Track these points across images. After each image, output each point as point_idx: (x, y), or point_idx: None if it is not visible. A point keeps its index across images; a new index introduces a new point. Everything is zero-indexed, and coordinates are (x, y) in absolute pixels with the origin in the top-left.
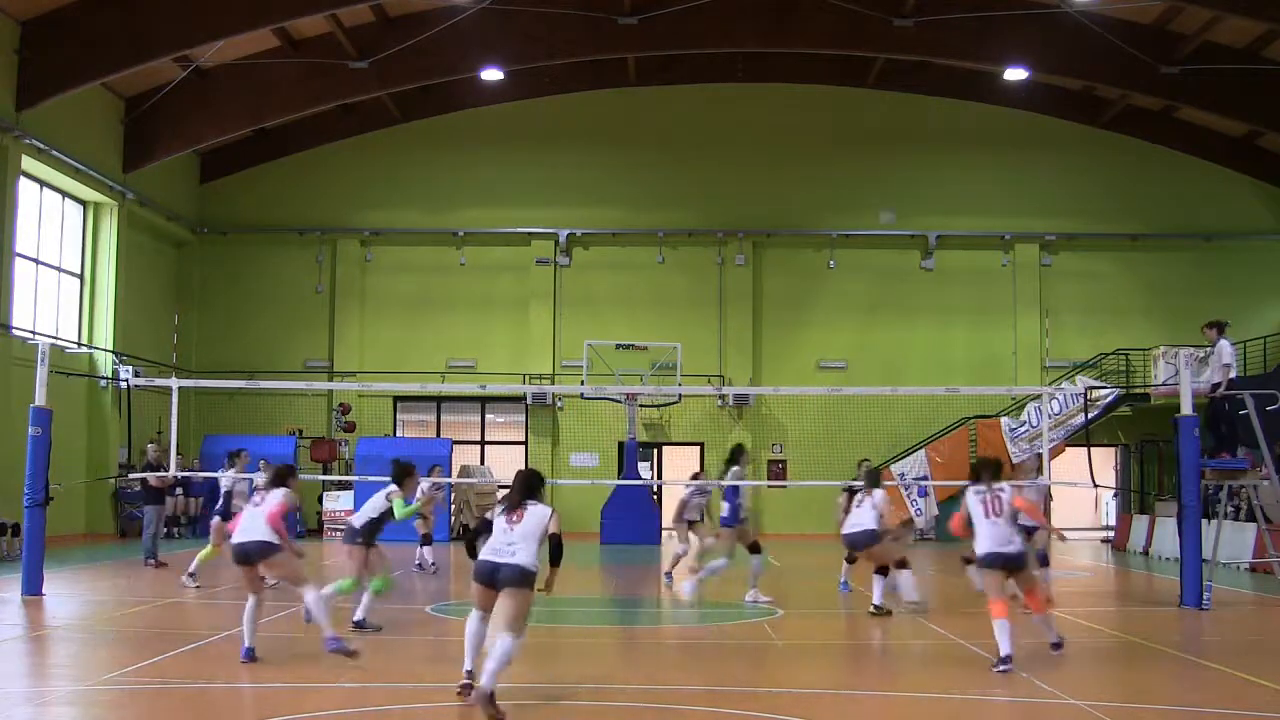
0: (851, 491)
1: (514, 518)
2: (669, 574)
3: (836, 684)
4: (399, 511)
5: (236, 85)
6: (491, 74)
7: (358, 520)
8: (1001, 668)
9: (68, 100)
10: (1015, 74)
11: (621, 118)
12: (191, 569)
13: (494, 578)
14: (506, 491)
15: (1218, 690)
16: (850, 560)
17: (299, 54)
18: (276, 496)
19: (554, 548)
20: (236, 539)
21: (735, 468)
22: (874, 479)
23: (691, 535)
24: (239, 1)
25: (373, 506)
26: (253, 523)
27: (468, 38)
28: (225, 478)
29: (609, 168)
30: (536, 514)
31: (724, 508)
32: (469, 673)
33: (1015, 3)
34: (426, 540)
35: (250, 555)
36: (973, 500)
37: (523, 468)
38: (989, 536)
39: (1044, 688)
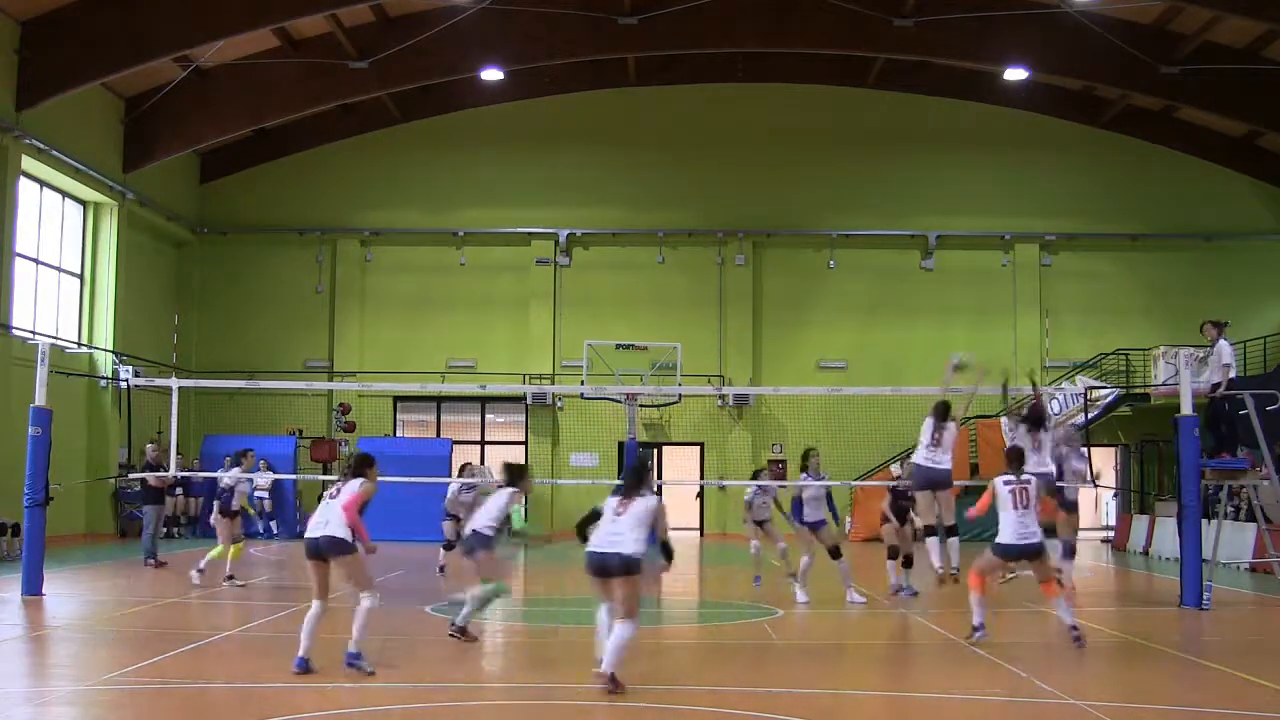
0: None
1: (621, 508)
2: (758, 578)
3: (836, 684)
4: (517, 522)
5: (236, 85)
6: (491, 74)
7: (488, 526)
8: (977, 635)
9: (68, 100)
10: (1015, 74)
11: (621, 118)
12: (201, 565)
13: (605, 568)
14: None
15: (1218, 690)
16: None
17: (299, 54)
18: (354, 487)
19: (661, 546)
20: (309, 533)
21: (805, 474)
22: (944, 412)
23: (763, 535)
24: (239, 1)
25: (499, 510)
26: (327, 516)
27: (468, 38)
28: (229, 476)
29: (609, 168)
30: (644, 504)
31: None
32: (598, 660)
33: (1015, 3)
34: (450, 545)
35: (321, 551)
36: (1003, 490)
37: (635, 460)
38: (1012, 527)
39: (1044, 688)
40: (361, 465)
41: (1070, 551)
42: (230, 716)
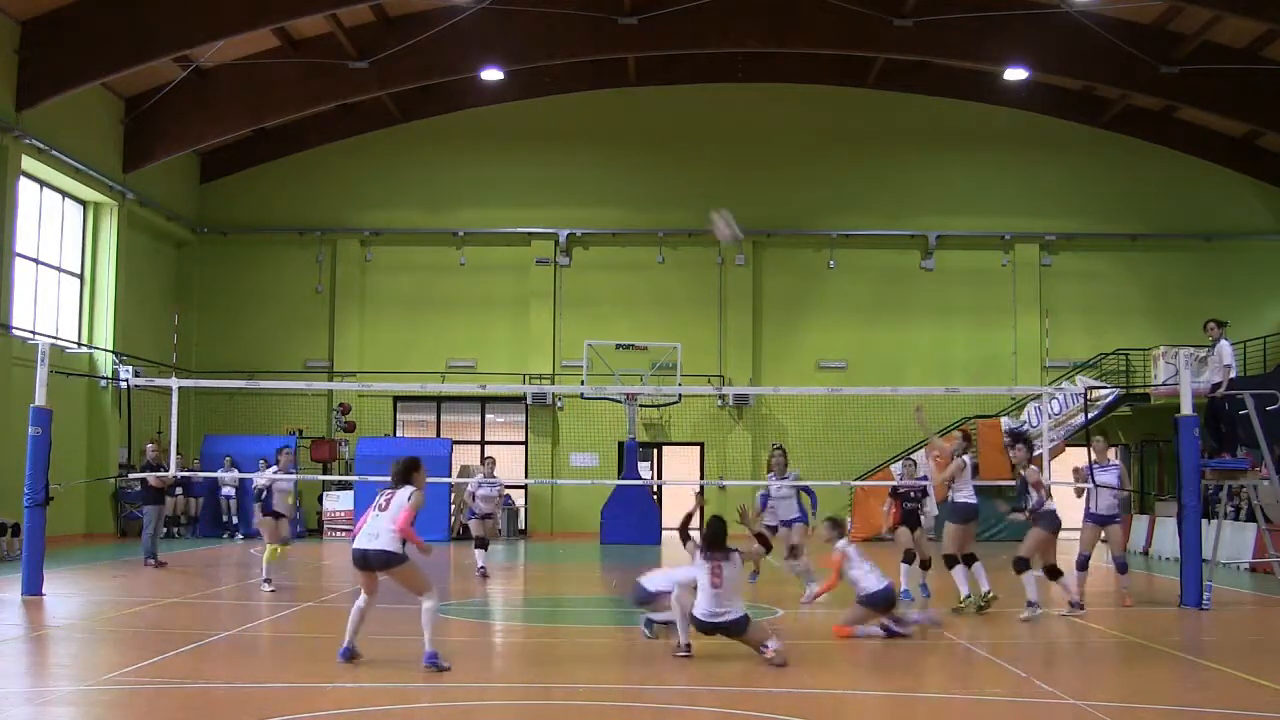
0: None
1: (716, 575)
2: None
3: (836, 684)
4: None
5: (236, 85)
6: (491, 74)
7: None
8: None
9: (68, 100)
10: (1015, 74)
11: (621, 118)
12: (265, 574)
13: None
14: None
15: (1218, 690)
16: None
17: (299, 54)
18: (404, 499)
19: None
20: (358, 544)
21: (770, 474)
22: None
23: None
24: (239, 1)
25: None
26: (377, 529)
27: (468, 38)
28: (265, 476)
29: (609, 168)
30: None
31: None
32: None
33: (1015, 3)
34: (482, 543)
35: (370, 563)
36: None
37: (710, 522)
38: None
39: (1044, 688)
40: (409, 471)
41: (1122, 567)
42: (230, 716)
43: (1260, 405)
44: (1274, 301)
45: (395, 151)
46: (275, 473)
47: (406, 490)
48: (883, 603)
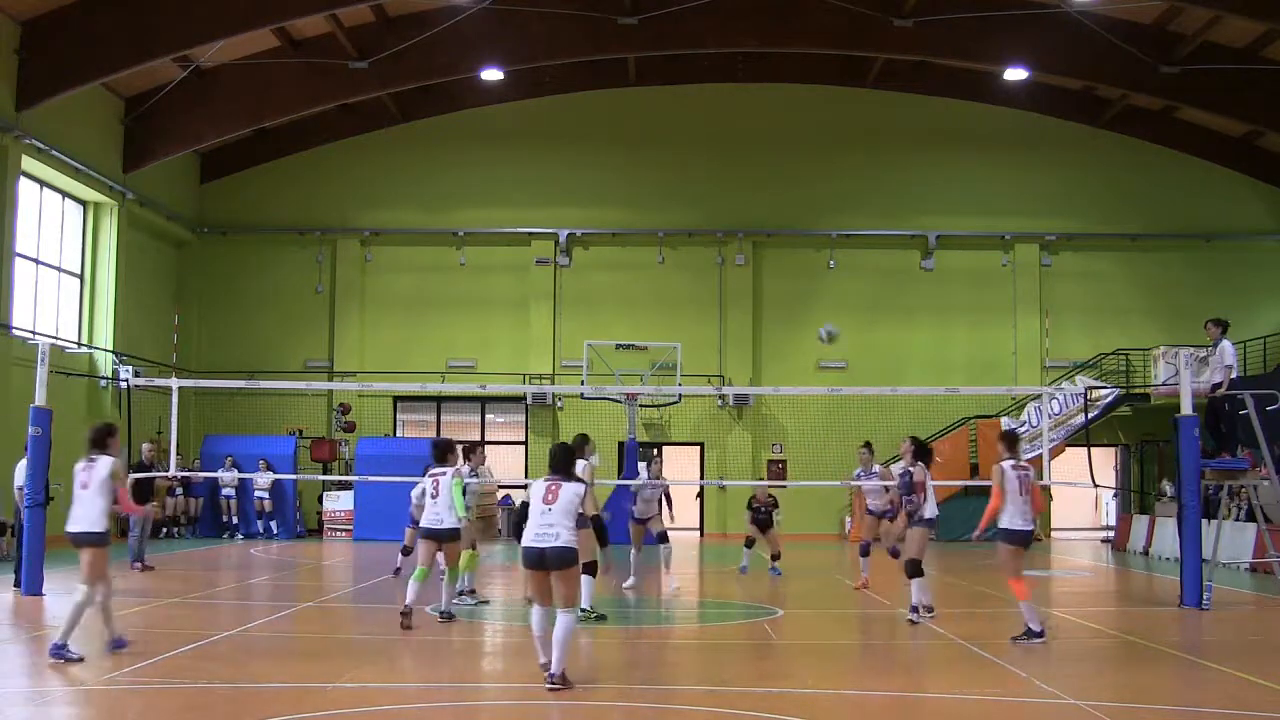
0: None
1: (549, 498)
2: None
3: (836, 684)
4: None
5: (236, 85)
6: (491, 74)
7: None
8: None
9: (68, 100)
10: (1015, 74)
11: (621, 118)
12: (468, 585)
13: (541, 561)
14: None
15: (1218, 690)
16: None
17: (299, 54)
18: (572, 493)
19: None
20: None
21: (646, 474)
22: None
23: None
24: (239, 1)
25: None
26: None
27: (468, 38)
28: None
29: (609, 168)
30: (571, 490)
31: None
32: (544, 664)
33: (1015, 3)
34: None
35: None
36: (1010, 475)
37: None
38: (1022, 513)
39: (1044, 688)
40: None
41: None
42: (230, 716)
43: (1260, 405)
44: (1274, 301)
45: (395, 151)
46: (470, 472)
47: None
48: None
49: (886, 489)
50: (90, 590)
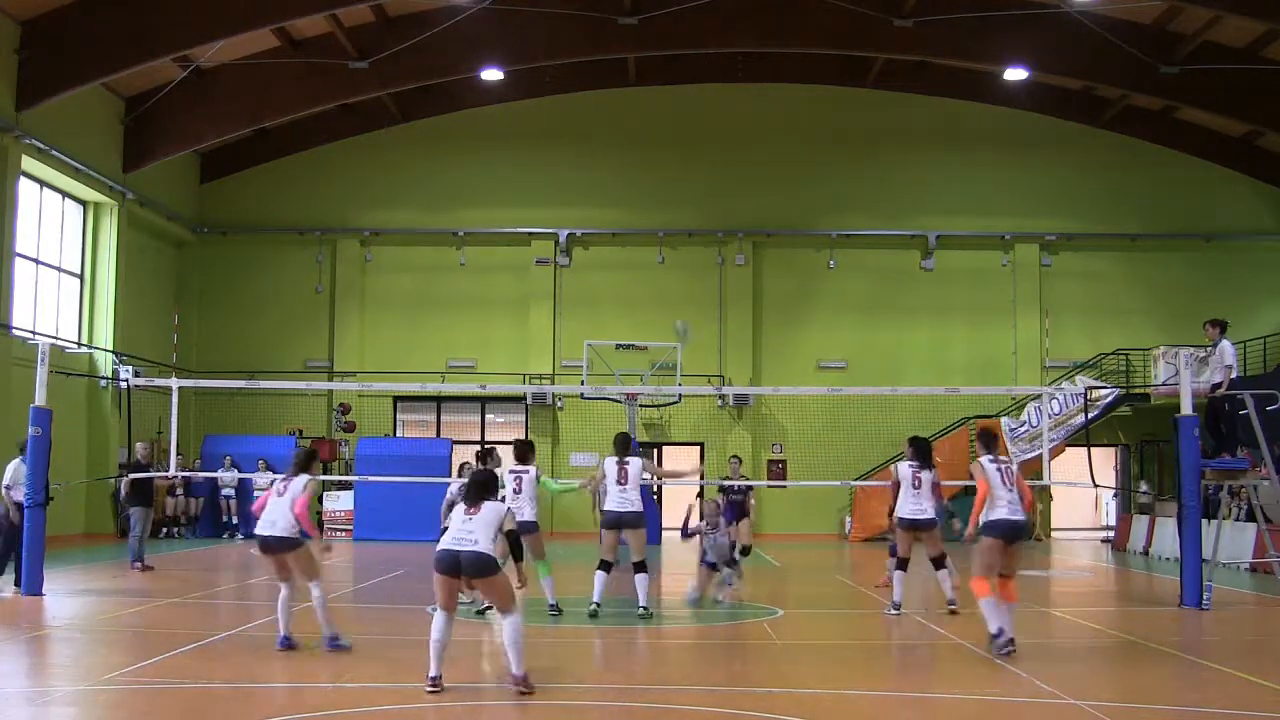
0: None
1: (471, 511)
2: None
3: (836, 684)
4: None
5: (236, 85)
6: (491, 74)
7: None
8: (1007, 649)
9: (68, 100)
10: (1015, 74)
11: (621, 118)
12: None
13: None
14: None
15: (1218, 690)
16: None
17: (299, 54)
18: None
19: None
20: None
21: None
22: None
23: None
24: (239, 1)
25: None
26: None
27: (468, 38)
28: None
29: (609, 168)
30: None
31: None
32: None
33: (1015, 3)
34: None
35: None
36: (990, 469)
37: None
38: (1008, 504)
39: (1044, 688)
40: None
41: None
42: (230, 716)
43: (1260, 405)
44: (1274, 301)
45: (395, 151)
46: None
47: (303, 479)
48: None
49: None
50: (320, 582)
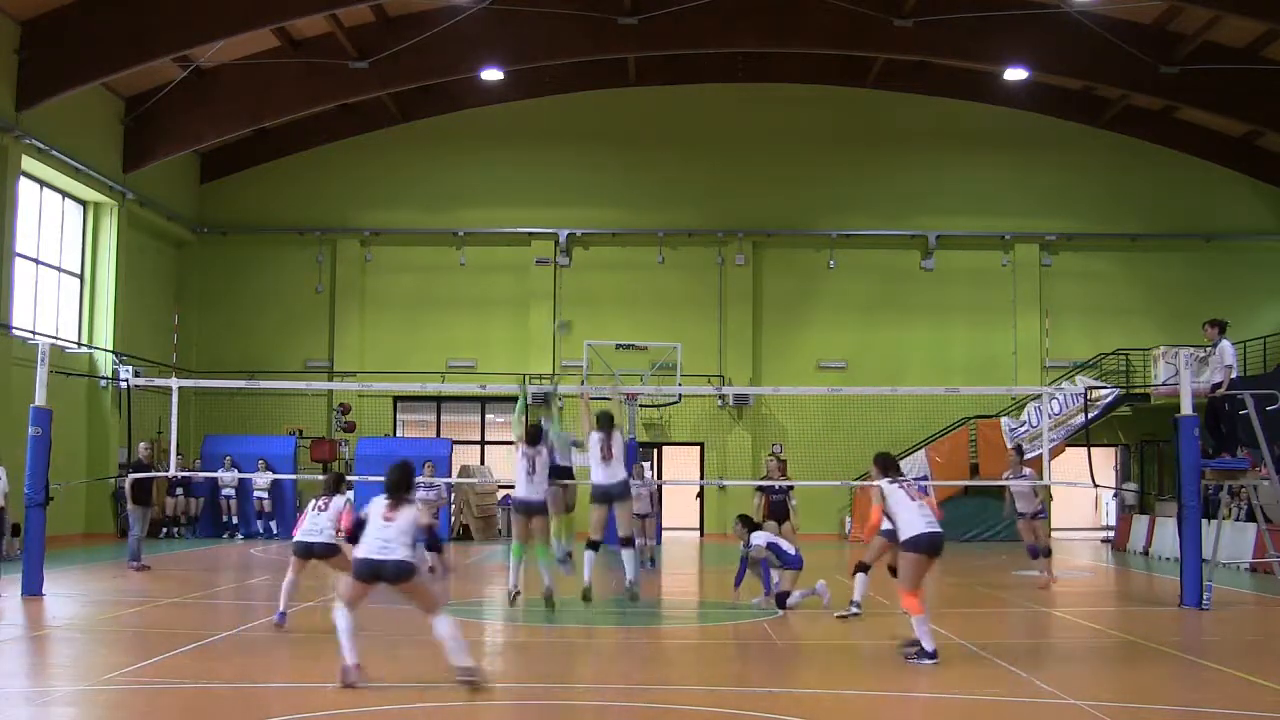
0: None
1: (389, 515)
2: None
3: (836, 684)
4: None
5: (236, 85)
6: (491, 74)
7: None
8: (929, 661)
9: (68, 100)
10: (1015, 74)
11: (621, 118)
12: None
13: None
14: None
15: (1218, 690)
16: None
17: (299, 54)
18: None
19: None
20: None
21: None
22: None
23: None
24: (239, 1)
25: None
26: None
27: (468, 38)
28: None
29: (609, 168)
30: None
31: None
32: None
33: (1015, 3)
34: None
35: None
36: (891, 490)
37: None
38: (922, 517)
39: (1044, 688)
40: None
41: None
42: (230, 716)
43: (1260, 405)
44: (1274, 301)
45: (395, 151)
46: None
47: (341, 497)
48: (927, 546)
49: (1036, 492)
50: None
